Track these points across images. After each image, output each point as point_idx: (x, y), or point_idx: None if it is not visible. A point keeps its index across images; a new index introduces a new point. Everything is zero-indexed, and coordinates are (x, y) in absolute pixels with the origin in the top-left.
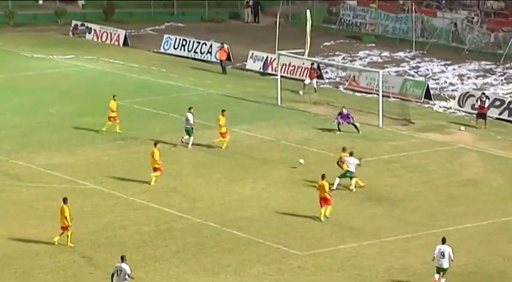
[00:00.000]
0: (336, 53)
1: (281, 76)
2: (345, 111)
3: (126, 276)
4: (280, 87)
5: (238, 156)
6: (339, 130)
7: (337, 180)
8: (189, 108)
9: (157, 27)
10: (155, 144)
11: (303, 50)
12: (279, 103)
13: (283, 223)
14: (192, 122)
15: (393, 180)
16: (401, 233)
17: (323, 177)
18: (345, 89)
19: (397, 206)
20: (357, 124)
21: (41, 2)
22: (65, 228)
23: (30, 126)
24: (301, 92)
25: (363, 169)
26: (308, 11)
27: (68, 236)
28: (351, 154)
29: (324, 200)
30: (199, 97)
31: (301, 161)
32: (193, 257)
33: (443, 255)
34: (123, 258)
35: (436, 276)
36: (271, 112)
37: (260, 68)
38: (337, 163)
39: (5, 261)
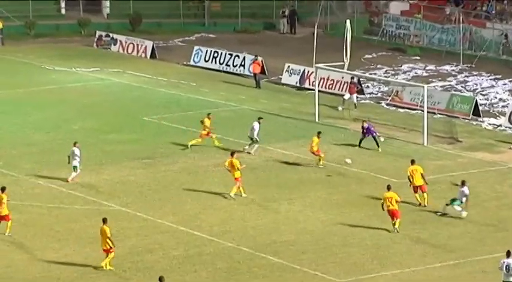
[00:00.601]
0: (378, 66)
1: (319, 91)
2: (365, 124)
3: None
4: (318, 103)
5: (273, 175)
6: (359, 146)
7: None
8: (259, 118)
9: (187, 38)
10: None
11: (342, 63)
12: (317, 119)
13: (321, 248)
14: (256, 132)
15: (438, 202)
16: (447, 259)
17: (389, 188)
18: (387, 104)
19: (443, 229)
20: (379, 139)
21: (63, 11)
22: (107, 251)
23: (51, 144)
24: (340, 108)
25: (403, 190)
26: (348, 21)
27: (109, 258)
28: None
29: (393, 213)
30: (232, 113)
31: (348, 160)
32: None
33: (509, 270)
34: (161, 280)
35: None
36: (308, 129)
37: (296, 82)
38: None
39: None
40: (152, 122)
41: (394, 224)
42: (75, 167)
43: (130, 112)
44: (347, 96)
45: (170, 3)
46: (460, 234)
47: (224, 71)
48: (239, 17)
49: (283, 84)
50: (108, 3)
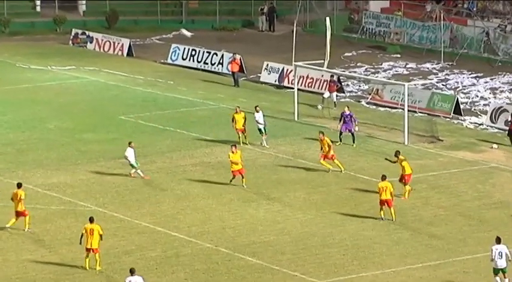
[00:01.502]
0: (358, 64)
1: (298, 89)
2: (347, 111)
3: None
4: (297, 101)
5: (252, 175)
6: (340, 141)
7: None
8: (256, 107)
9: (164, 36)
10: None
11: (322, 61)
12: (296, 118)
13: (300, 248)
14: (262, 121)
15: (420, 202)
16: (428, 259)
17: (383, 178)
18: (367, 103)
19: (424, 230)
20: (355, 132)
21: (38, 9)
22: (95, 250)
23: (26, 143)
24: (319, 107)
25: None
26: (328, 19)
27: (97, 259)
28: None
29: (387, 202)
30: (210, 112)
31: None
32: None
33: (501, 255)
34: (132, 271)
35: (497, 279)
36: (287, 128)
37: (275, 81)
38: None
39: None
40: (129, 121)
41: (384, 213)
42: (132, 165)
43: (106, 111)
44: (327, 94)
45: (147, 1)
46: (441, 235)
47: (202, 69)
48: (217, 14)
49: (262, 83)
50: (84, 1)
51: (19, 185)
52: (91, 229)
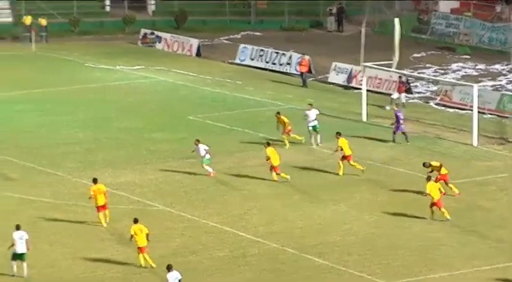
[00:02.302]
0: (427, 65)
1: (366, 90)
2: (396, 109)
3: None
4: (365, 102)
5: (319, 176)
6: (394, 141)
7: None
8: (310, 104)
9: (232, 36)
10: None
11: (390, 62)
12: (364, 119)
13: (367, 249)
14: (314, 118)
15: (488, 204)
16: (496, 262)
17: (429, 179)
18: (436, 104)
19: (492, 232)
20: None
21: (108, 8)
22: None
23: (95, 143)
24: (388, 108)
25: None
26: (397, 20)
27: (145, 257)
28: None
29: (437, 203)
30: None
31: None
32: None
33: None
34: (170, 268)
35: None
36: (355, 129)
37: (344, 81)
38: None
39: None
40: (197, 121)
41: (436, 213)
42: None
43: (175, 111)
44: (395, 95)
45: (215, 1)
46: (509, 237)
47: (270, 70)
48: (286, 14)
49: (330, 83)
50: (153, 1)
51: (95, 180)
52: (140, 229)
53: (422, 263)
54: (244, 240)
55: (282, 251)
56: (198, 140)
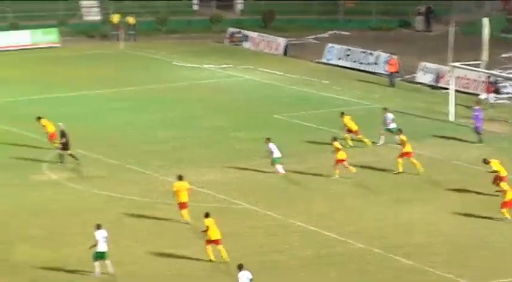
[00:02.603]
0: None
1: (455, 90)
2: (477, 107)
3: None
4: (453, 102)
5: (406, 176)
6: (481, 141)
7: None
8: (384, 109)
9: (319, 35)
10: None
11: (479, 62)
12: (452, 119)
13: (454, 250)
14: (390, 120)
15: None
16: None
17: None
18: None
19: None
20: (480, 131)
21: (195, 7)
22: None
23: (181, 141)
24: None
25: None
26: (486, 19)
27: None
28: None
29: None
30: (365, 111)
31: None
32: None
33: None
34: (241, 267)
35: None
36: (442, 129)
37: (431, 81)
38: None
39: None
40: (283, 119)
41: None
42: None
43: (261, 110)
44: (483, 96)
45: (303, 1)
46: None
47: (357, 69)
48: (373, 14)
49: (417, 83)
50: (241, 0)
51: (180, 177)
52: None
53: (511, 265)
54: (330, 240)
55: (367, 251)
56: (268, 138)
